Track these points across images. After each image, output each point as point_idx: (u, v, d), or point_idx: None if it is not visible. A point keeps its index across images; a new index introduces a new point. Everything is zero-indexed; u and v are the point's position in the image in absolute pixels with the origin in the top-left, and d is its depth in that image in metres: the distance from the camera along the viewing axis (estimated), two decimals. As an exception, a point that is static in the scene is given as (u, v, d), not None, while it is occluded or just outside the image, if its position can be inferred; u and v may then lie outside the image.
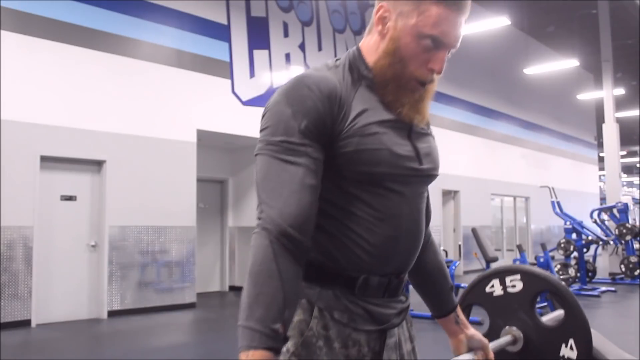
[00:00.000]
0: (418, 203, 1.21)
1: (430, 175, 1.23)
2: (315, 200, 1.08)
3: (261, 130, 1.12)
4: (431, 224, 1.39)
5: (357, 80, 1.17)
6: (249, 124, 8.82)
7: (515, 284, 1.62)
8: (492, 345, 1.46)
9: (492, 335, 1.62)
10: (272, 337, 0.99)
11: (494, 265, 7.75)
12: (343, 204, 1.14)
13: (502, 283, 1.64)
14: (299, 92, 1.09)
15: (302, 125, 1.07)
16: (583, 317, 1.57)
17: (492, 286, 1.66)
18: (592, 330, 1.72)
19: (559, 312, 1.65)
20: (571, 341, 1.56)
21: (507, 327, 1.61)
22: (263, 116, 1.13)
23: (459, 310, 1.43)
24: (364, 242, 1.14)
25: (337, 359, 1.13)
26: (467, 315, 1.72)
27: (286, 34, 9.64)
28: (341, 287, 1.15)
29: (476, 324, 1.73)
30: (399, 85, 1.16)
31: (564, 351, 1.56)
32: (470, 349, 1.41)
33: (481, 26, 10.98)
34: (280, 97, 1.11)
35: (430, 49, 1.13)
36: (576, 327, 1.56)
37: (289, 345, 1.13)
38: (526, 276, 1.63)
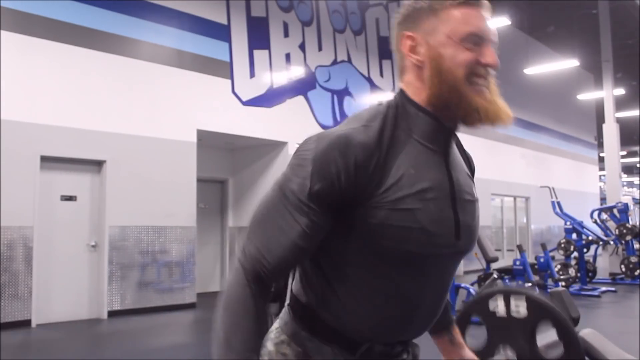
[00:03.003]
0: (444, 280, 1.15)
1: (464, 252, 1.14)
2: (297, 261, 1.10)
3: (289, 166, 1.08)
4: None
5: (407, 133, 1.08)
6: (249, 124, 8.82)
7: (520, 309, 1.59)
8: None
9: (487, 353, 1.61)
10: None
11: (494, 266, 7.76)
12: (361, 270, 1.08)
13: (507, 305, 1.62)
14: (328, 153, 1.02)
15: (314, 189, 1.01)
16: (582, 357, 1.55)
17: (497, 306, 1.63)
18: (592, 331, 1.72)
19: (556, 340, 1.62)
20: None
21: (502, 347, 1.59)
22: (295, 153, 1.08)
23: (455, 330, 1.39)
24: (376, 312, 1.09)
25: None
26: (467, 323, 1.70)
27: (286, 34, 9.63)
28: (341, 348, 1.11)
29: (476, 323, 1.72)
30: (460, 95, 1.07)
31: None
32: None
33: (481, 26, 10.97)
34: (313, 145, 1.04)
35: (474, 47, 1.09)
36: None
37: None
38: (532, 304, 1.60)
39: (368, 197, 1.02)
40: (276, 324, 1.19)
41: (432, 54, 1.08)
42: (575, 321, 2.22)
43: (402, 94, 1.11)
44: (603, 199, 19.50)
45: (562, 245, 9.85)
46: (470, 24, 1.08)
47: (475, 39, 1.08)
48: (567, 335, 1.57)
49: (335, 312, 1.11)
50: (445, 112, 1.09)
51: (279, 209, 1.05)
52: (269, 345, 1.17)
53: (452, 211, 1.08)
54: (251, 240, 1.09)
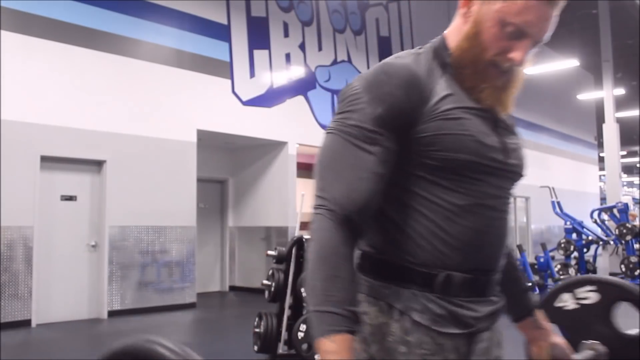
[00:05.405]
0: (504, 198, 1.15)
1: (516, 172, 1.18)
2: (379, 190, 1.05)
3: (337, 114, 1.09)
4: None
5: (442, 67, 1.12)
6: (249, 124, 8.82)
7: (589, 295, 1.53)
8: None
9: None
10: (352, 320, 0.98)
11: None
12: (422, 192, 1.08)
13: (574, 296, 1.55)
14: (376, 78, 1.07)
15: (376, 113, 1.04)
16: None
17: (564, 300, 1.56)
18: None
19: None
20: None
21: (584, 342, 1.48)
22: (341, 101, 1.10)
23: (539, 314, 1.34)
24: (443, 233, 1.07)
25: None
26: (551, 309, 1.60)
27: (286, 34, 9.63)
28: (419, 285, 1.08)
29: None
30: (476, 70, 1.11)
31: None
32: (553, 358, 1.31)
33: (481, 26, 10.97)
34: (358, 82, 1.08)
35: (512, 37, 1.08)
36: None
37: (372, 351, 1.08)
38: (601, 286, 1.54)
39: (420, 114, 1.06)
40: None
41: (477, 18, 1.10)
42: None
43: (442, 37, 1.17)
44: (603, 199, 19.50)
45: (562, 245, 9.85)
46: (523, 15, 1.07)
47: (519, 32, 1.08)
48: None
49: (402, 245, 1.09)
50: (459, 73, 1.12)
51: (346, 147, 1.04)
52: None
53: (494, 131, 1.12)
54: (329, 186, 1.03)
